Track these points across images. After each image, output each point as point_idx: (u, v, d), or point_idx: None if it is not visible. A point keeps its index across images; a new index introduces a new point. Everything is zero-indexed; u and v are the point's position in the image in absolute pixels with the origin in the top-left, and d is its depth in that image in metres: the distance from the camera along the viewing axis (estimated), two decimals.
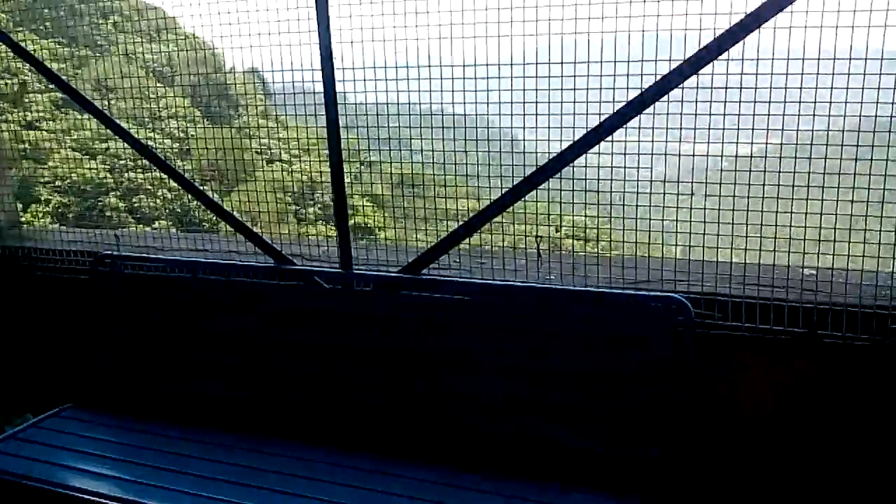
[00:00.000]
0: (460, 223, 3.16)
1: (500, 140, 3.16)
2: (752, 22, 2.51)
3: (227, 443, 3.16)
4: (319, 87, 3.20)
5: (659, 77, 2.68)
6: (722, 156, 2.92)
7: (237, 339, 3.45)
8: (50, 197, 15.31)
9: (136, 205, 12.80)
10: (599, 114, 2.84)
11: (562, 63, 2.88)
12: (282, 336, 3.38)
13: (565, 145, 2.90)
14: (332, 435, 3.22)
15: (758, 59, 2.61)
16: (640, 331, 2.87)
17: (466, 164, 3.18)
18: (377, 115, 3.24)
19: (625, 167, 2.90)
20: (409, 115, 3.30)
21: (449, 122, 3.23)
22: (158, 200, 12.31)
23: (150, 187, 11.62)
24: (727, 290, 2.89)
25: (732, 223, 2.81)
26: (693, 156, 2.93)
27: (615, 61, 2.76)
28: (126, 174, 12.24)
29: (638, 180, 2.98)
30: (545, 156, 3.00)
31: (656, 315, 2.84)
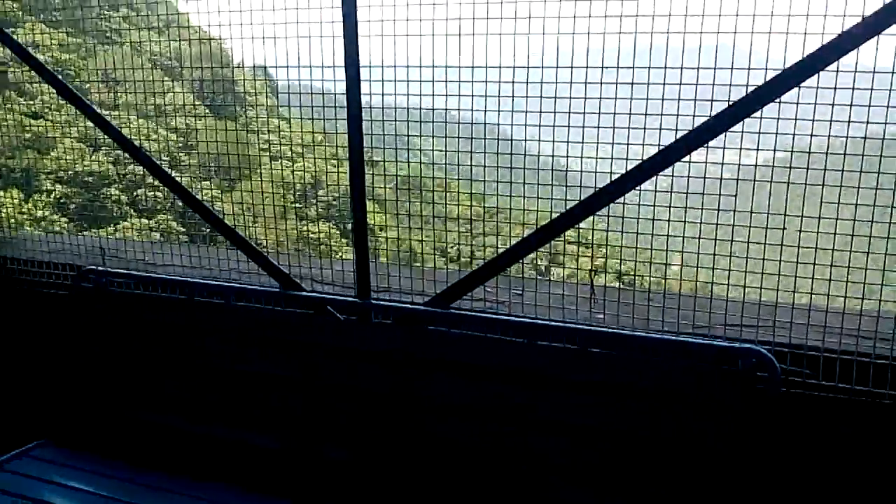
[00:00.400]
0: (495, 246, 2.71)
1: (524, 154, 2.71)
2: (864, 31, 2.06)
3: (216, 497, 2.71)
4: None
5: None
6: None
7: (234, 374, 3.00)
8: (52, 188, 14.98)
9: (137, 198, 12.40)
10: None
11: (602, 67, 2.42)
12: (285, 372, 2.93)
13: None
14: (336, 492, 2.78)
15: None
16: (712, 388, 2.41)
17: (482, 174, 2.72)
18: (407, 118, 2.77)
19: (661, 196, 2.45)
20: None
21: (472, 131, 2.80)
22: (160, 194, 11.90)
23: (152, 181, 11.21)
24: (817, 341, 2.42)
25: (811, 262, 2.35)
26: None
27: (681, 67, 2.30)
28: (129, 167, 11.84)
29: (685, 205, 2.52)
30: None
31: (732, 370, 2.39)
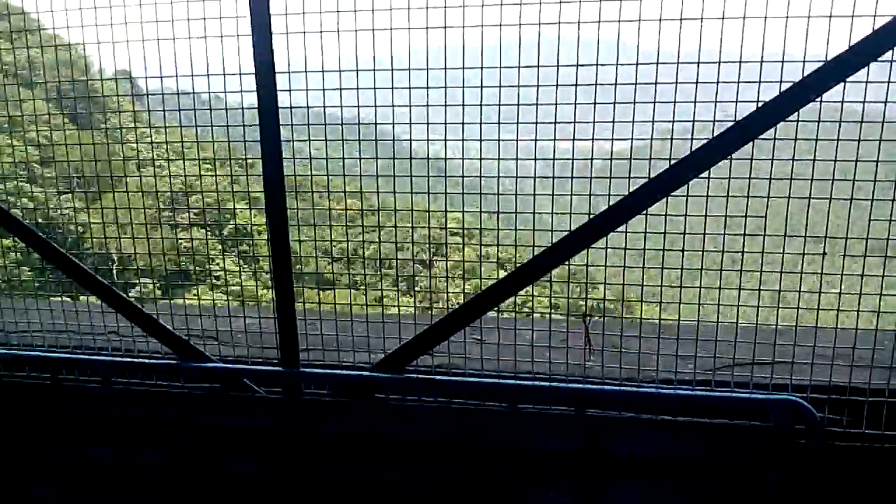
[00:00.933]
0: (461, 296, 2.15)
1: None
2: None
3: None
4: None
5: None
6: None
7: (122, 474, 2.30)
8: None
9: None
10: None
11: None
12: (190, 469, 2.26)
13: None
14: None
15: None
16: (741, 451, 1.97)
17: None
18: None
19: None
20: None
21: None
22: (17, 211, 10.49)
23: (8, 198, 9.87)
24: (860, 382, 2.00)
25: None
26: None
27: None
28: None
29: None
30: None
31: (765, 427, 1.95)
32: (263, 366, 2.26)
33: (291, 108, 2.18)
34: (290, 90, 2.15)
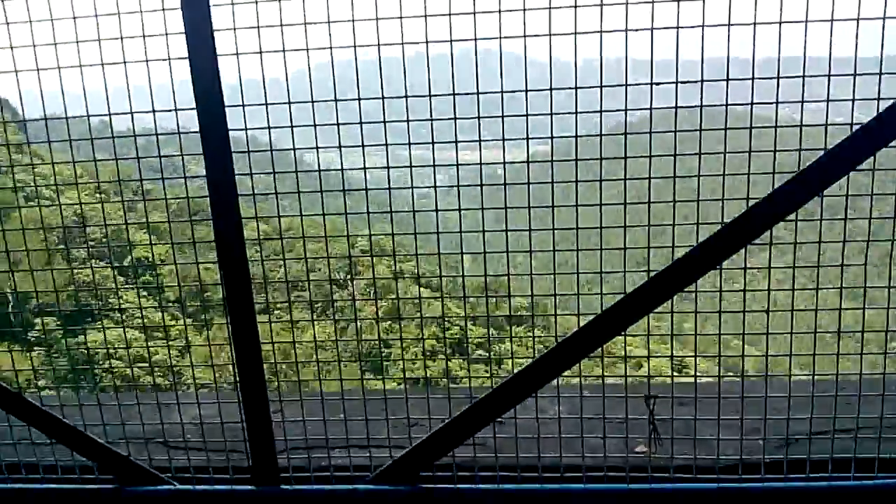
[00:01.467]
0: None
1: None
2: None
3: None
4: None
5: None
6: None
7: None
8: None
9: None
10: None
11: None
12: None
13: None
14: None
15: None
16: None
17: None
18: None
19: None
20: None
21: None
22: None
23: None
24: None
25: None
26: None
27: None
28: None
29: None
30: None
31: None
32: (231, 484, 1.72)
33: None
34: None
